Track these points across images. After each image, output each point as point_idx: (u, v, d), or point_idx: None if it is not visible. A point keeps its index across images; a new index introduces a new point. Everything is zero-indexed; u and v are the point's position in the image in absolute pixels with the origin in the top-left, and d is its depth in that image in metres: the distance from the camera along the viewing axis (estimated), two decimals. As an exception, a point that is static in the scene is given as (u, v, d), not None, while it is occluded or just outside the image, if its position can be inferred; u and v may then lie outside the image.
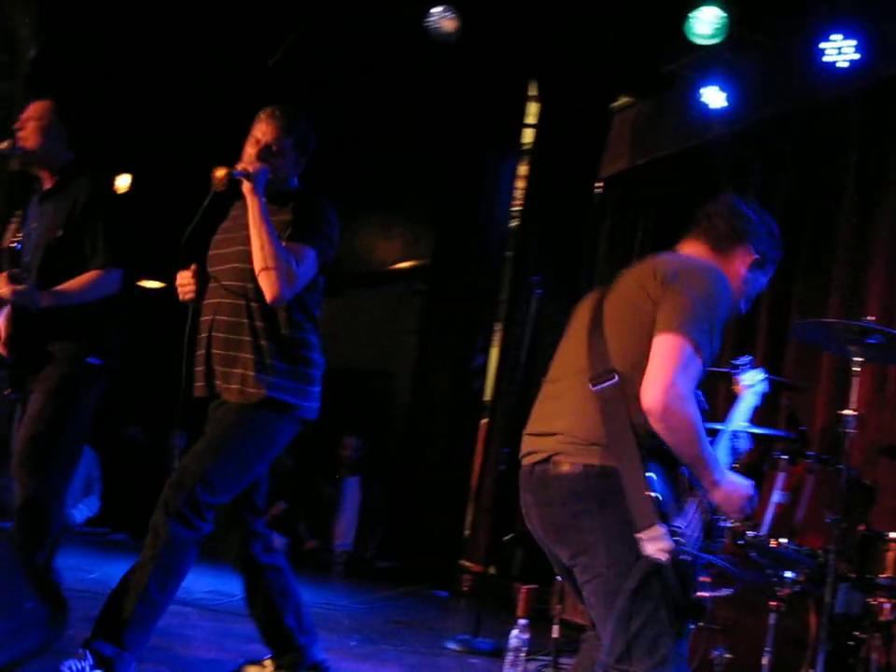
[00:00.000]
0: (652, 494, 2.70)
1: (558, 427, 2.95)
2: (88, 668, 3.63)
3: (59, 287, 4.57)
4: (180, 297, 4.20)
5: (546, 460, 2.93)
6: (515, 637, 4.77)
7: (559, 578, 5.27)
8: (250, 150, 4.13)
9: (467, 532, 8.75)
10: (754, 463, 5.20)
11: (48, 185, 4.82)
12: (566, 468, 2.87)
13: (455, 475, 8.87)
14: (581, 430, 2.88)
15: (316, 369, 4.20)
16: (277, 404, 4.03)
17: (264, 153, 4.10)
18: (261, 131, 4.16)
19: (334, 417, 10.72)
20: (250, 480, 4.14)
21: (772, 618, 4.33)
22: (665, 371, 2.77)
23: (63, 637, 3.96)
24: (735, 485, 2.91)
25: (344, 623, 6.09)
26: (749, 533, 4.57)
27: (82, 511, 8.84)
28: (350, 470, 9.38)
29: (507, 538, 7.54)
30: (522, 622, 4.83)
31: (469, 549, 8.41)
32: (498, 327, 9.22)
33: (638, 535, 2.70)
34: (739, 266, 3.15)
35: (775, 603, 4.35)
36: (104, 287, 4.64)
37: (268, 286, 3.92)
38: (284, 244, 3.98)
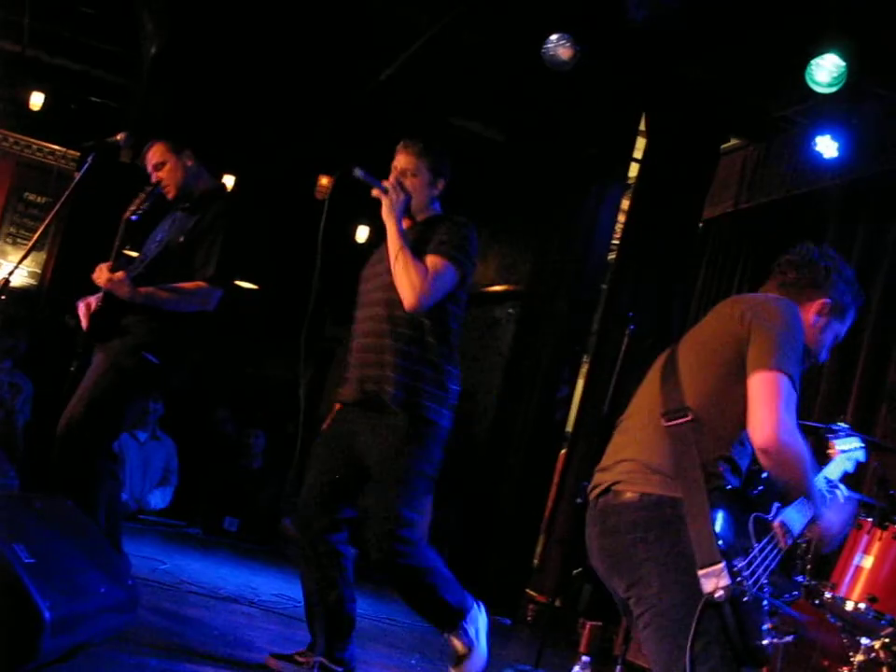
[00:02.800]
0: (716, 530, 2.70)
1: (623, 456, 2.98)
2: None
3: (158, 288, 4.75)
4: None
5: (608, 490, 2.95)
6: (577, 672, 4.74)
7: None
8: (391, 179, 4.38)
9: (536, 562, 8.69)
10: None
11: (187, 203, 5.09)
12: (626, 496, 2.89)
13: (529, 503, 8.81)
14: (645, 458, 2.91)
15: (455, 381, 4.38)
16: (426, 411, 4.22)
17: (400, 178, 4.37)
18: (399, 160, 4.45)
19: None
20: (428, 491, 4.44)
21: (843, 682, 4.24)
22: (771, 409, 2.79)
23: (132, 623, 4.01)
24: (839, 510, 3.01)
25: (406, 640, 6.07)
26: (827, 594, 4.48)
27: (155, 498, 8.94)
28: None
29: (576, 571, 7.47)
30: (584, 658, 4.80)
31: (536, 579, 8.34)
32: (586, 359, 9.17)
33: (698, 570, 2.69)
34: (812, 314, 3.16)
35: (847, 668, 4.26)
36: (201, 299, 4.82)
37: (405, 295, 4.16)
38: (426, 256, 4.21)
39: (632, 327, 6.19)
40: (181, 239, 4.90)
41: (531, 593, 8.13)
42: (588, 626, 6.07)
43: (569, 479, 8.35)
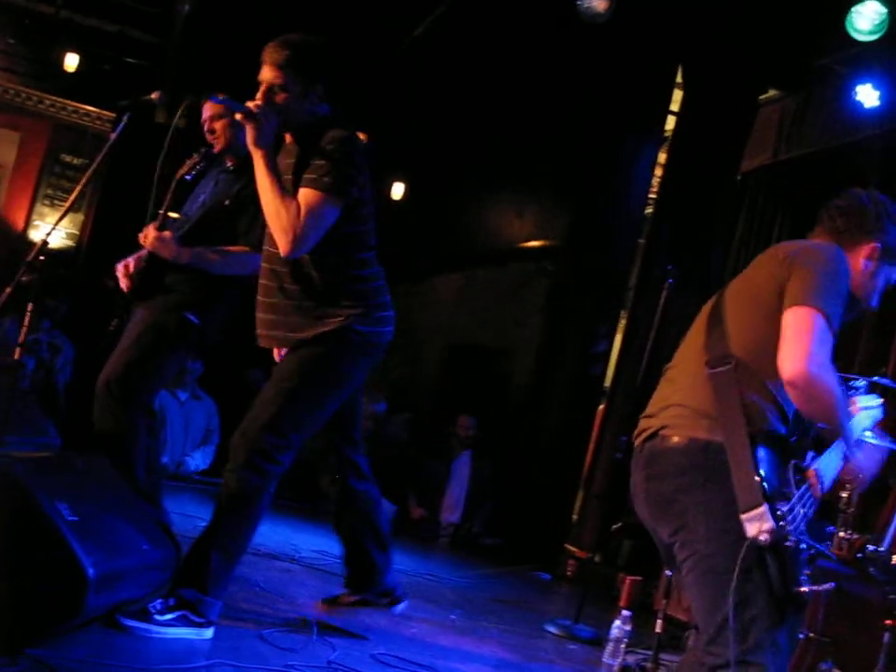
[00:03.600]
0: (759, 474, 2.68)
1: (670, 402, 2.97)
2: (170, 607, 3.78)
3: (203, 249, 4.74)
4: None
5: (654, 435, 2.94)
6: (617, 627, 4.73)
7: (667, 572, 5.23)
8: (258, 96, 3.99)
9: (575, 517, 8.70)
10: (881, 476, 5.05)
11: (230, 163, 5.00)
12: (672, 441, 2.88)
13: (567, 459, 8.81)
14: (692, 403, 2.89)
15: (379, 295, 4.19)
16: (335, 335, 4.04)
17: (268, 94, 3.97)
18: (263, 72, 4.02)
19: (452, 392, 10.81)
20: (324, 416, 4.18)
21: (886, 637, 4.21)
22: (802, 342, 2.77)
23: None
24: (870, 453, 3.02)
25: (447, 596, 6.10)
26: (870, 547, 4.45)
27: (196, 459, 9.00)
28: (462, 448, 9.40)
29: (615, 526, 7.45)
30: (625, 612, 4.79)
31: (575, 534, 8.35)
32: (624, 314, 9.13)
33: (741, 515, 2.68)
34: (862, 259, 3.11)
35: (890, 622, 4.23)
36: (243, 265, 4.81)
37: (279, 241, 3.96)
38: (299, 191, 3.93)
39: (670, 280, 6.13)
40: (226, 203, 4.87)
41: (571, 548, 8.14)
42: (628, 581, 6.04)
43: (608, 434, 8.34)
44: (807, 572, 2.75)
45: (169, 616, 3.76)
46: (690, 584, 2.86)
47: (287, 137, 4.10)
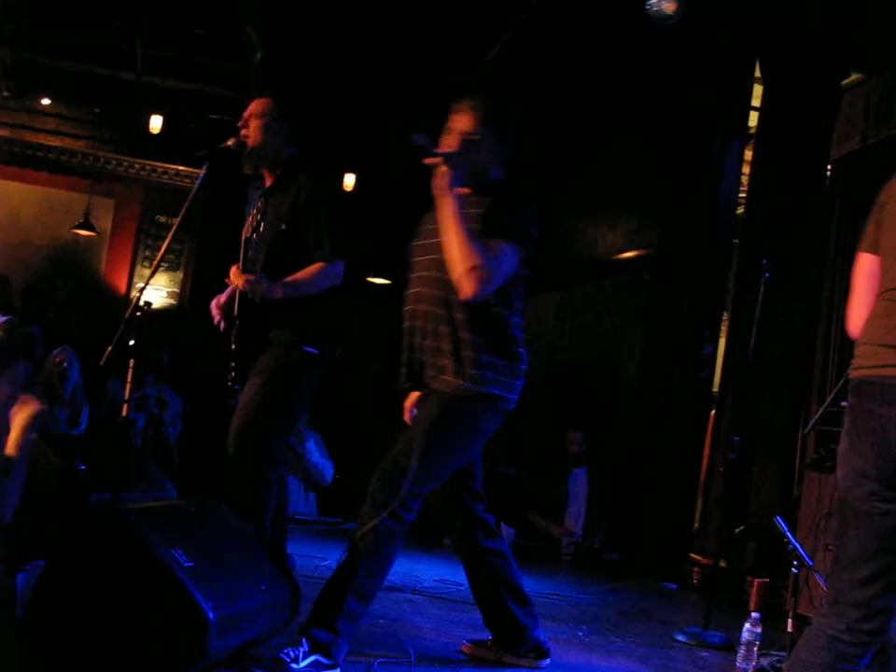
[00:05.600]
0: None
1: None
2: (303, 654, 3.75)
3: (288, 279, 4.70)
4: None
5: None
6: (748, 630, 4.64)
7: (795, 570, 5.12)
8: (449, 141, 4.04)
9: (696, 524, 8.58)
10: None
11: (269, 182, 4.97)
12: None
13: (683, 466, 8.71)
14: None
15: (520, 361, 4.19)
16: (481, 396, 4.04)
17: (464, 143, 4.01)
18: (459, 121, 4.08)
19: (561, 409, 10.76)
20: (454, 469, 4.19)
21: None
22: None
23: (296, 620, 4.07)
24: None
25: (572, 613, 6.05)
26: None
27: (310, 502, 9.08)
28: (576, 464, 9.35)
29: (739, 529, 7.35)
30: (755, 615, 4.70)
31: (698, 541, 8.24)
32: (727, 315, 9.01)
33: None
34: None
35: None
36: (329, 278, 4.75)
37: (462, 282, 3.90)
38: (479, 239, 3.92)
39: (766, 275, 6.04)
40: (283, 227, 4.80)
41: (695, 556, 8.02)
42: (756, 584, 5.95)
43: (722, 437, 8.22)
44: None
45: (304, 664, 3.75)
46: None
47: (465, 190, 4.03)
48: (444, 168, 3.90)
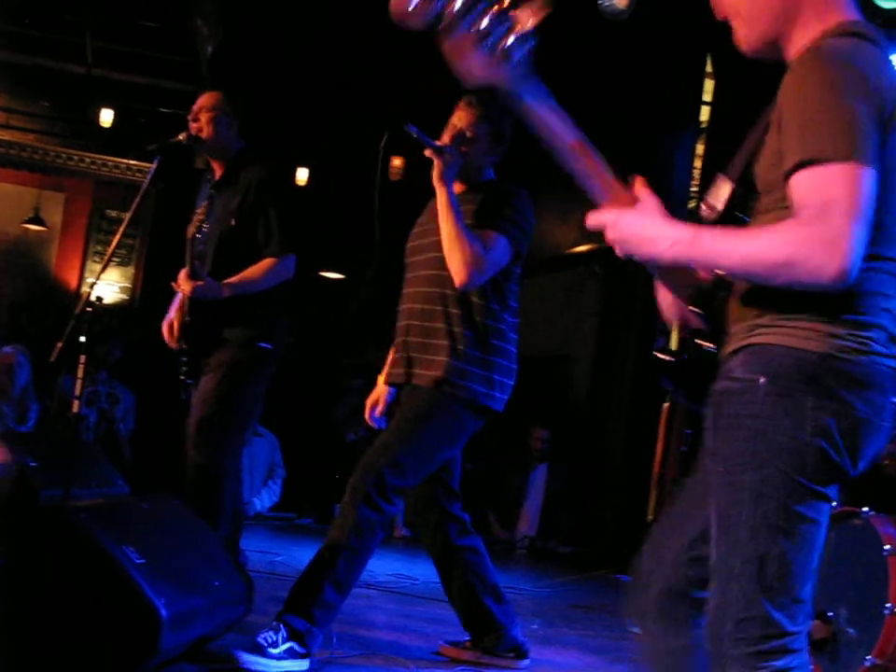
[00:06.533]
0: None
1: None
2: (281, 639, 3.76)
3: (237, 277, 4.67)
4: None
5: None
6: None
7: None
8: (445, 137, 4.12)
9: (650, 517, 8.63)
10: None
11: (219, 174, 4.94)
12: None
13: (637, 460, 8.75)
14: None
15: (511, 360, 4.22)
16: (469, 392, 4.06)
17: (458, 139, 4.09)
18: (458, 117, 4.17)
19: (521, 405, 10.77)
20: (437, 464, 4.18)
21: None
22: None
23: (250, 615, 4.06)
24: None
25: (527, 606, 6.07)
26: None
27: (264, 498, 9.05)
28: (539, 460, 9.37)
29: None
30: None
31: (652, 534, 8.28)
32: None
33: None
34: None
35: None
36: (280, 273, 4.73)
37: (456, 270, 3.96)
38: (473, 231, 3.99)
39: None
40: (232, 222, 4.78)
41: (648, 549, 8.06)
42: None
43: (674, 429, 8.27)
44: None
45: (282, 649, 3.76)
46: None
47: (457, 187, 4.10)
48: (439, 159, 3.97)
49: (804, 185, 2.02)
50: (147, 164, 11.13)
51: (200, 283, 4.62)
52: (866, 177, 1.99)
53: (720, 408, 2.19)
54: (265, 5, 7.95)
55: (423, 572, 6.14)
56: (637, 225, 2.26)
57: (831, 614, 4.31)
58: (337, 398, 10.22)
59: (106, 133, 10.89)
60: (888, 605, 4.11)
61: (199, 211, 4.93)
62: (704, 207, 2.42)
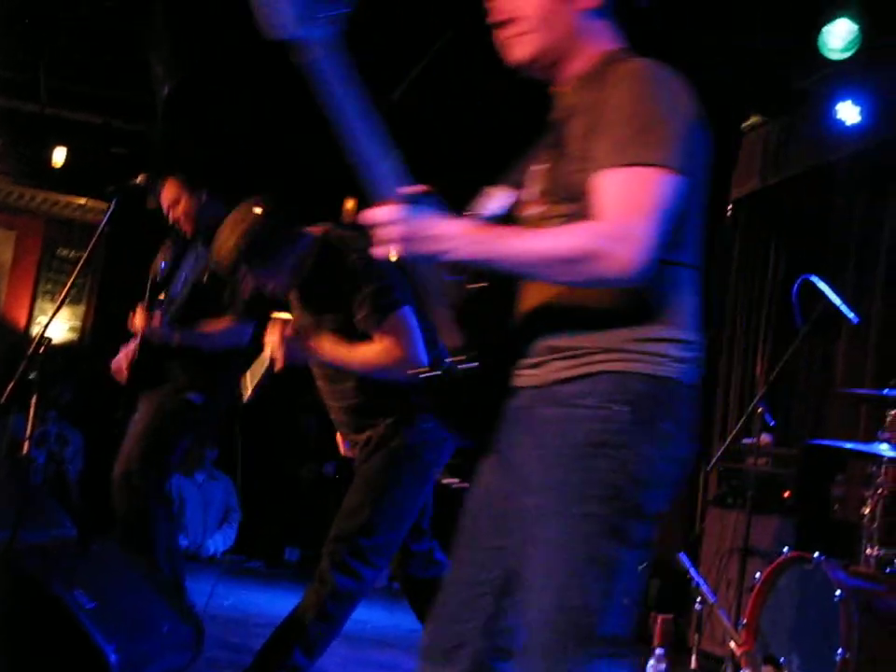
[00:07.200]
0: None
1: None
2: None
3: (191, 330, 4.74)
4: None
5: None
6: (652, 666, 4.69)
7: (697, 606, 5.18)
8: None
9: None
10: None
11: (190, 229, 5.02)
12: None
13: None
14: None
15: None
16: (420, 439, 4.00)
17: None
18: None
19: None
20: (416, 512, 4.12)
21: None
22: None
23: (199, 660, 4.02)
24: None
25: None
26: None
27: (217, 540, 8.97)
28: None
29: (641, 566, 7.39)
30: (658, 651, 4.74)
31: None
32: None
33: None
34: None
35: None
36: (233, 336, 4.81)
37: None
38: None
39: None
40: (205, 278, 4.87)
41: (599, 593, 8.06)
42: (660, 619, 6.01)
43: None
44: None
45: None
46: None
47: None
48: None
49: (610, 185, 2.05)
50: (100, 204, 11.13)
51: (155, 321, 4.67)
52: (673, 183, 2.05)
53: (547, 437, 2.13)
54: (221, 45, 7.95)
55: (372, 615, 6.10)
56: (426, 221, 2.07)
57: (783, 660, 4.34)
58: (291, 438, 10.17)
59: (59, 171, 10.82)
60: (839, 651, 4.13)
61: (165, 247, 4.99)
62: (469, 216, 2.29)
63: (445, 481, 2.34)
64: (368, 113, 2.05)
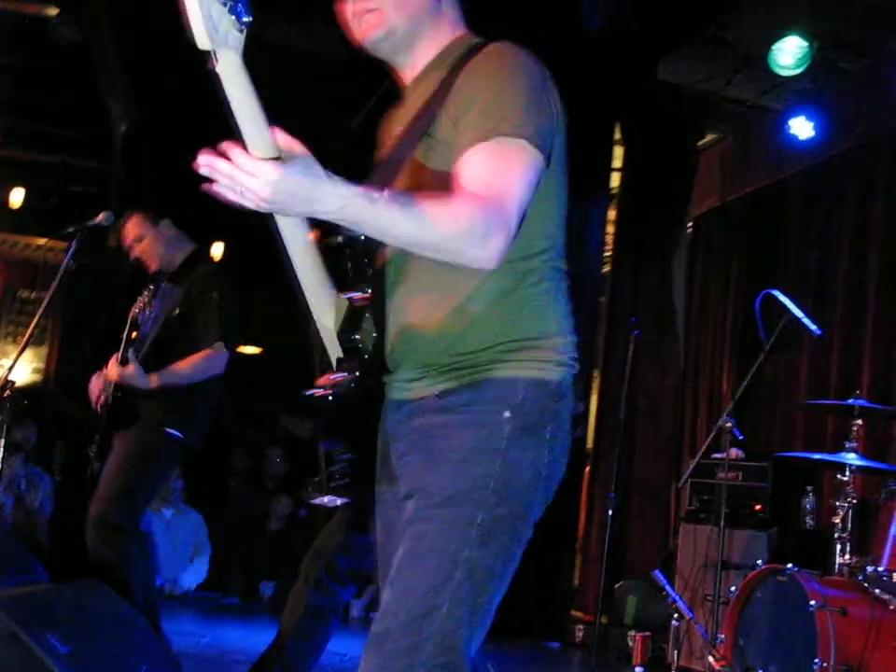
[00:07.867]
0: None
1: None
2: None
3: (168, 369, 4.70)
4: None
5: None
6: (632, 685, 4.69)
7: (674, 622, 5.19)
8: None
9: (576, 582, 8.63)
10: (869, 496, 5.06)
11: (155, 267, 5.00)
12: None
13: (560, 525, 8.75)
14: None
15: None
16: None
17: None
18: None
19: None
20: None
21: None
22: None
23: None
24: None
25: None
26: (869, 568, 4.43)
27: (189, 575, 8.90)
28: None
29: (618, 585, 7.42)
30: (638, 669, 4.75)
31: (578, 599, 8.28)
32: (597, 373, 9.13)
33: None
34: None
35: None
36: (210, 366, 4.77)
37: None
38: None
39: (636, 333, 6.18)
40: (175, 313, 4.86)
41: (576, 613, 8.06)
42: (639, 638, 6.03)
43: (597, 494, 8.31)
44: None
45: None
46: None
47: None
48: None
49: (479, 158, 2.05)
50: (60, 244, 11.07)
51: (129, 370, 4.63)
52: (537, 161, 2.08)
53: (433, 443, 2.13)
54: (178, 82, 7.95)
55: (350, 647, 6.06)
56: (304, 180, 1.90)
57: (760, 672, 4.35)
58: (259, 470, 10.12)
59: (17, 212, 10.77)
60: (816, 660, 4.15)
61: (146, 291, 4.98)
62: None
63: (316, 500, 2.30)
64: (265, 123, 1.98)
